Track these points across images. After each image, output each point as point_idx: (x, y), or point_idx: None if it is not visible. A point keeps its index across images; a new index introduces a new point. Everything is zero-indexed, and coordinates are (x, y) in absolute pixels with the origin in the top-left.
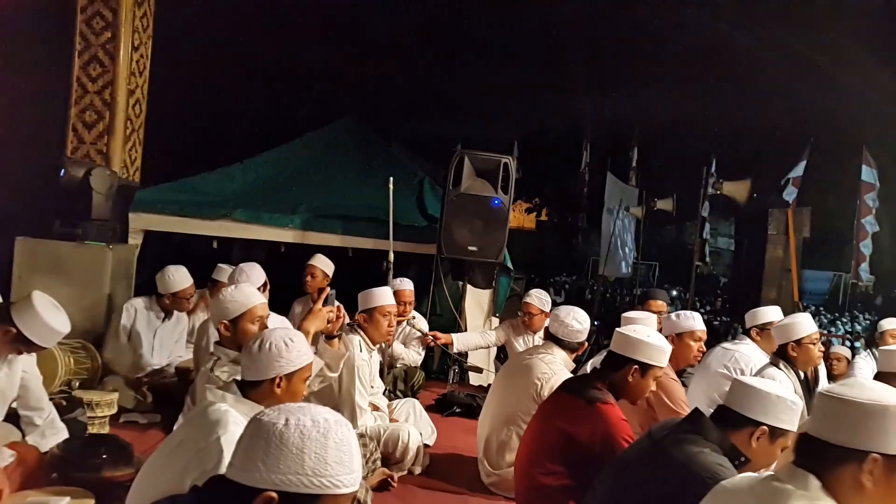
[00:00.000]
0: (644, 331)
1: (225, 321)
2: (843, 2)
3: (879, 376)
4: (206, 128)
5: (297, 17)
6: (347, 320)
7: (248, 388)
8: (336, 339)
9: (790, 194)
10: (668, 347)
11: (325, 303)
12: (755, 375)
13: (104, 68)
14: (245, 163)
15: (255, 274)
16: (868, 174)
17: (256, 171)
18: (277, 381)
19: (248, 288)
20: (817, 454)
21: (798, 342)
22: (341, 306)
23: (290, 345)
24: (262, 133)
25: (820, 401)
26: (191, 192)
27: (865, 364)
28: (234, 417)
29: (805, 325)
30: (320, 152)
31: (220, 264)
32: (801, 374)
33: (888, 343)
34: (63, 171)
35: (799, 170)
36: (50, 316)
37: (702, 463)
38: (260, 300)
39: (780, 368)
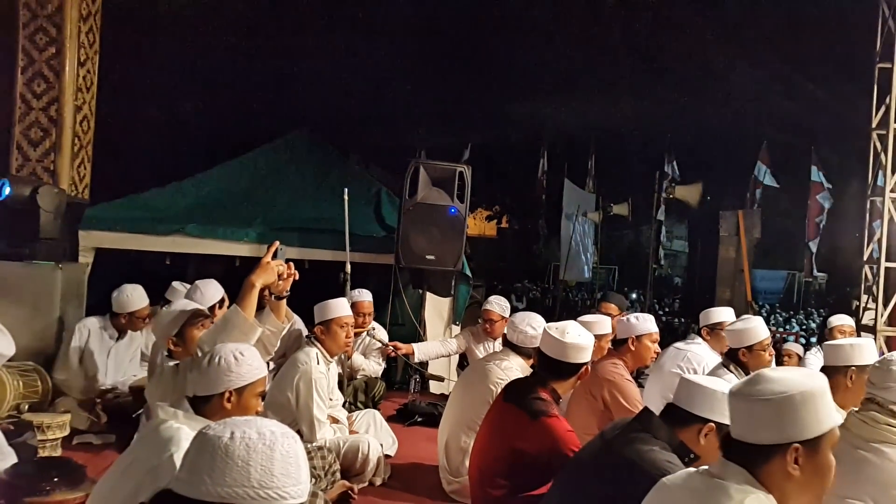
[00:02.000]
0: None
1: (170, 336)
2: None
3: (825, 370)
4: (157, 143)
5: (249, 28)
6: (295, 279)
7: (199, 404)
8: (283, 302)
9: (759, 198)
10: (589, 343)
11: (275, 256)
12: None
13: (49, 84)
14: (198, 177)
15: (210, 290)
16: (816, 174)
17: (210, 185)
18: (227, 395)
19: (179, 301)
20: (743, 454)
21: (749, 348)
22: (292, 264)
23: (240, 359)
24: (214, 147)
25: (731, 401)
26: (142, 208)
27: (815, 360)
28: (186, 434)
29: (757, 330)
30: (275, 165)
31: (174, 283)
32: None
33: (836, 338)
34: (9, 189)
35: (762, 172)
36: None
37: (651, 460)
38: (195, 305)
39: (730, 370)
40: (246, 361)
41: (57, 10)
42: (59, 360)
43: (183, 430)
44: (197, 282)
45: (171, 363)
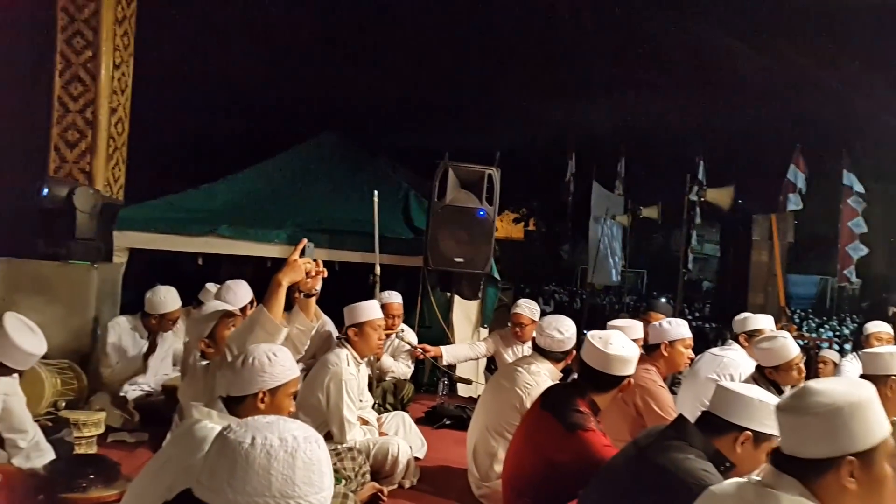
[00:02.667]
0: (612, 340)
1: (203, 338)
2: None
3: (864, 378)
4: (190, 144)
5: (280, 31)
6: (324, 276)
7: (233, 404)
8: (312, 300)
9: (793, 203)
10: (633, 355)
11: (303, 254)
12: (744, 382)
13: (85, 87)
14: (230, 178)
15: (241, 291)
16: (848, 178)
17: (241, 186)
18: (261, 396)
19: (213, 303)
20: (795, 467)
21: (776, 368)
22: (321, 262)
23: (273, 359)
24: (246, 148)
25: (779, 417)
26: (175, 209)
27: (852, 367)
28: None
29: (785, 349)
30: (305, 166)
31: (207, 284)
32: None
33: (873, 346)
34: (46, 190)
35: (795, 176)
36: (22, 338)
37: (687, 469)
38: (226, 306)
39: (760, 386)
40: (279, 362)
41: (93, 14)
42: (101, 358)
43: (217, 430)
44: (228, 282)
45: (203, 363)
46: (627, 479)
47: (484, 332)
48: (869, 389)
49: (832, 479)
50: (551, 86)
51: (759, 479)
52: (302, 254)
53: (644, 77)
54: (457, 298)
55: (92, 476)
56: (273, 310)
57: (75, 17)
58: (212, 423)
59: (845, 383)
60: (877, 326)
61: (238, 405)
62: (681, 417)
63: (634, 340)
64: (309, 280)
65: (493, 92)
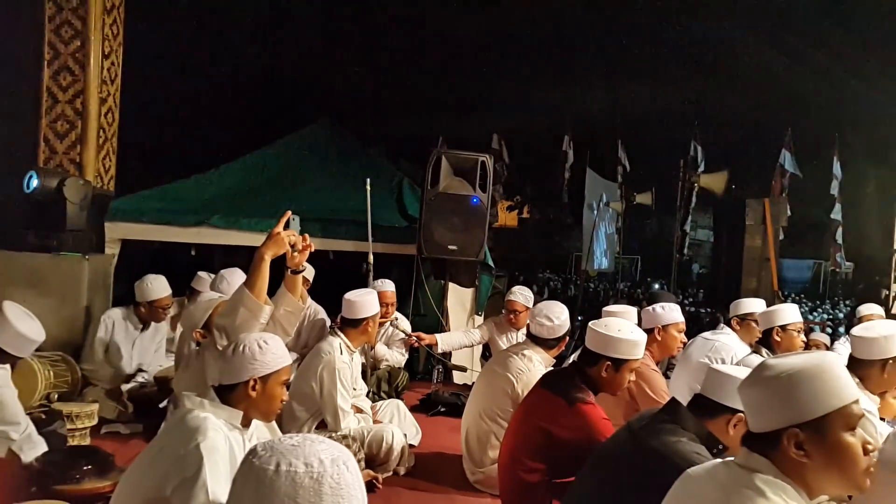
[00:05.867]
0: (615, 325)
1: (198, 328)
2: None
3: (857, 361)
4: (181, 134)
5: (274, 19)
6: (311, 251)
7: (225, 393)
8: (299, 278)
9: (786, 187)
10: (641, 339)
11: (287, 226)
12: (737, 364)
13: (75, 77)
14: (222, 168)
15: (236, 280)
16: (837, 167)
17: (234, 176)
18: (252, 383)
19: (208, 293)
20: (758, 444)
21: (783, 328)
22: (307, 235)
23: (264, 347)
24: (238, 138)
25: (740, 393)
26: (167, 200)
27: (844, 350)
28: (213, 424)
29: (791, 312)
30: (298, 155)
31: (199, 273)
32: None
33: None
34: (36, 181)
35: (787, 160)
36: (22, 325)
37: (679, 452)
38: (220, 296)
39: (761, 356)
40: (270, 350)
41: (81, 3)
42: (85, 351)
43: (209, 419)
44: (222, 271)
45: (196, 349)
46: (621, 462)
47: (479, 319)
48: (823, 361)
49: (783, 453)
50: (546, 73)
51: (731, 459)
52: (287, 226)
53: (639, 63)
54: (451, 286)
55: (85, 467)
56: (255, 287)
57: (63, 7)
58: (204, 412)
59: (802, 357)
60: (869, 309)
61: (229, 393)
62: (673, 401)
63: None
64: (296, 255)
65: (488, 79)
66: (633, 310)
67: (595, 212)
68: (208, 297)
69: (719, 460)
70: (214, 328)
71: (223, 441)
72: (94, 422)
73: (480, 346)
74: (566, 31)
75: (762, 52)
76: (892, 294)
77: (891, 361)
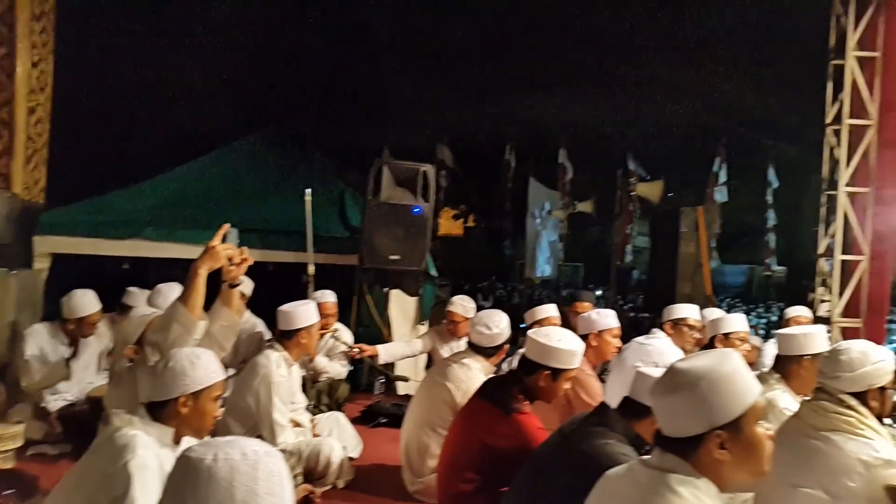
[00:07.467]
0: (555, 335)
1: (131, 344)
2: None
3: (779, 358)
4: (116, 144)
5: (210, 25)
6: (248, 264)
7: (155, 410)
8: (235, 292)
9: (720, 195)
10: (579, 349)
11: (225, 239)
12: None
13: (1, 86)
14: (158, 179)
15: (173, 294)
16: (771, 174)
17: (170, 186)
18: (183, 400)
19: (141, 308)
20: (675, 446)
21: (727, 335)
22: (245, 248)
23: (196, 362)
24: (176, 147)
25: (652, 400)
26: (100, 212)
27: (773, 349)
28: (142, 441)
29: (736, 321)
30: (237, 165)
31: (129, 288)
32: None
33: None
34: None
35: (720, 169)
36: None
37: (606, 454)
38: (155, 311)
39: None
40: (202, 365)
41: (8, 9)
42: (20, 369)
43: (139, 436)
44: (159, 286)
45: (128, 366)
46: (553, 466)
47: (423, 328)
48: (729, 360)
49: (705, 454)
50: (492, 82)
51: (647, 458)
52: (225, 239)
53: (580, 73)
54: (394, 296)
55: (7, 492)
56: (190, 302)
57: None
58: (133, 429)
59: (708, 359)
60: (796, 311)
61: (160, 410)
62: (602, 404)
63: (544, 320)
64: (232, 268)
65: (435, 88)
66: (552, 306)
67: (538, 220)
68: (142, 313)
69: (635, 461)
70: (147, 344)
71: (153, 459)
72: (20, 443)
73: (426, 356)
74: (510, 40)
75: (697, 61)
76: (819, 297)
77: (808, 358)
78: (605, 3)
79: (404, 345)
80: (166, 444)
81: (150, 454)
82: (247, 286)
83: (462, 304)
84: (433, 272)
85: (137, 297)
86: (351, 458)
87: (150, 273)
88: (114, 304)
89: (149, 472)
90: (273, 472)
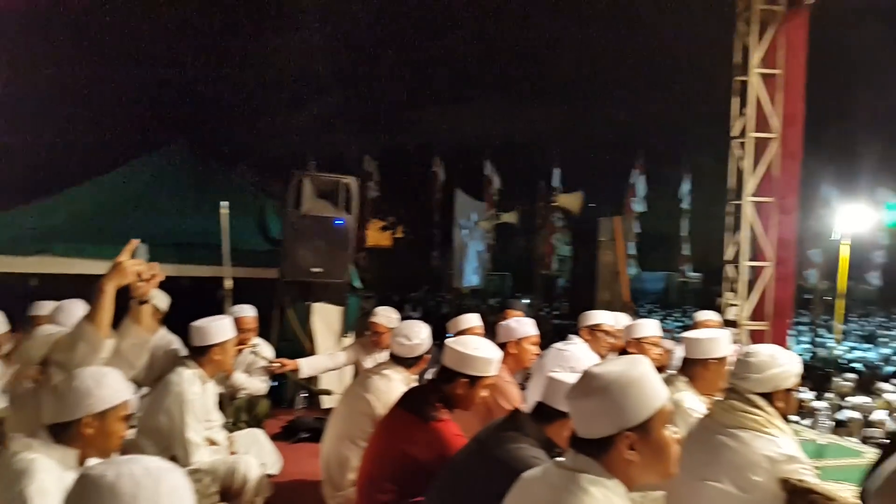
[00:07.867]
0: (472, 343)
1: (34, 364)
2: (661, 26)
3: (685, 361)
4: (25, 157)
5: (128, 35)
6: (160, 280)
7: (58, 432)
8: (145, 308)
9: (638, 205)
10: (495, 357)
11: (134, 255)
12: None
13: None
14: (68, 192)
15: (77, 311)
16: (687, 184)
17: (81, 200)
18: (87, 420)
19: (47, 326)
20: (588, 447)
21: (639, 340)
22: (156, 264)
23: (101, 381)
24: (87, 160)
25: (567, 403)
26: (6, 227)
27: (681, 353)
28: (42, 465)
29: (647, 326)
30: (151, 178)
31: (37, 301)
32: None
33: None
34: None
35: (640, 181)
36: None
37: (519, 458)
38: (60, 329)
39: None
40: (107, 384)
41: None
42: None
43: (38, 460)
44: (62, 302)
45: (31, 387)
46: (467, 472)
47: (348, 341)
48: (639, 366)
49: (615, 455)
50: (419, 94)
51: (560, 460)
52: (134, 255)
53: (506, 87)
54: (317, 309)
55: None
56: (97, 319)
57: None
58: (32, 453)
59: (619, 365)
60: (705, 315)
61: (63, 432)
62: (516, 410)
63: (467, 329)
64: (141, 284)
65: (362, 100)
66: (475, 316)
67: (465, 231)
68: (46, 332)
69: (549, 462)
70: (52, 364)
71: (55, 483)
72: None
73: (352, 369)
74: (440, 52)
75: (616, 77)
76: (725, 301)
77: (714, 361)
78: (530, 22)
79: (327, 358)
80: (70, 467)
81: (50, 478)
82: (162, 301)
83: (386, 315)
84: (357, 284)
85: (44, 308)
86: (270, 475)
87: (61, 290)
88: (21, 323)
89: (49, 496)
90: (176, 487)
